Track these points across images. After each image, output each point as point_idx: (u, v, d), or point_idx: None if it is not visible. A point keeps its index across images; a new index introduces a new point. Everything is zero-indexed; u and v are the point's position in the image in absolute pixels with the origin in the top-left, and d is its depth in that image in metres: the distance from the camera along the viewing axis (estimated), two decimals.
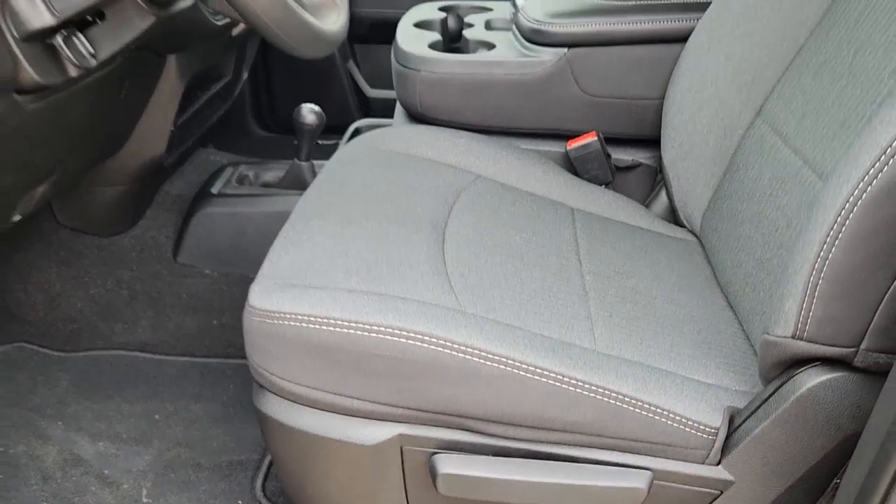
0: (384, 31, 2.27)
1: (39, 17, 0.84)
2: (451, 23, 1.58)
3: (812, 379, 0.77)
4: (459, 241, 1.03)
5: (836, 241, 0.71)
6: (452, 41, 1.56)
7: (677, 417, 0.81)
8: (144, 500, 1.20)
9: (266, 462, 1.25)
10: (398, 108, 1.48)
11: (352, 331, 0.81)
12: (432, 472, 0.84)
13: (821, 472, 0.81)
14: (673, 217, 1.29)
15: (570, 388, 0.80)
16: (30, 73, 0.85)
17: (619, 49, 1.29)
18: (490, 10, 1.62)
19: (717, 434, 0.81)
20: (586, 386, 0.81)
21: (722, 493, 0.83)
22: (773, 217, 0.98)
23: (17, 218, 1.07)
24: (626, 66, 1.30)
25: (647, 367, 0.86)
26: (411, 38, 1.42)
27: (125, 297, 1.49)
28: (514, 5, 1.43)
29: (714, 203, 1.17)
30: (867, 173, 0.69)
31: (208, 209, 1.48)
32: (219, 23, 1.23)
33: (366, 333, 0.81)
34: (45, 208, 1.43)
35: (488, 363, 0.80)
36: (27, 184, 1.03)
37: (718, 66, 1.16)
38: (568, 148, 1.33)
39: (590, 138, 1.32)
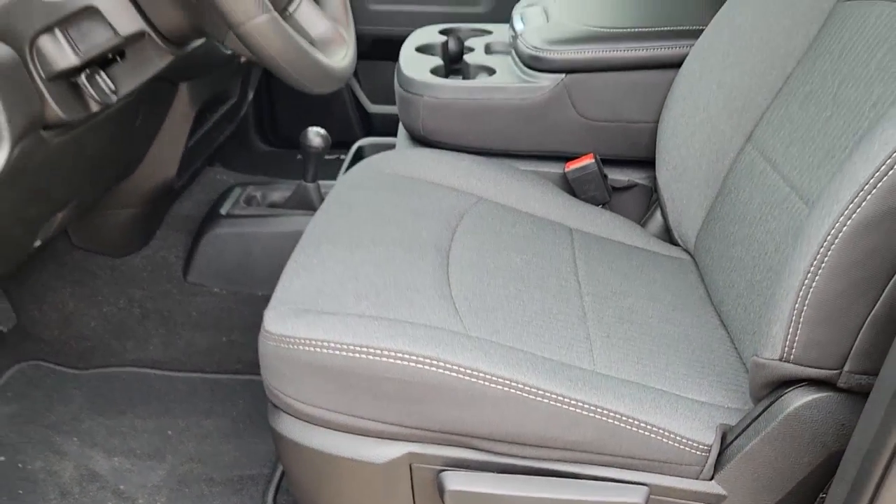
0: (385, 49, 2.32)
1: (65, 58, 0.88)
2: (452, 45, 1.63)
3: (799, 399, 0.82)
4: (463, 264, 1.08)
5: (820, 271, 0.76)
6: (453, 62, 1.61)
7: (672, 435, 0.86)
8: None
9: (277, 476, 1.29)
10: (401, 131, 1.52)
11: (363, 355, 0.86)
12: (440, 489, 0.88)
13: (807, 487, 0.85)
14: (668, 236, 1.33)
15: (571, 409, 0.85)
16: (55, 110, 0.90)
17: (614, 75, 1.34)
18: (489, 32, 1.67)
19: (710, 451, 0.86)
20: (586, 406, 0.85)
21: None
22: (763, 240, 1.03)
23: (37, 244, 1.11)
24: (622, 91, 1.34)
25: (644, 387, 0.91)
26: (414, 63, 1.46)
27: (137, 315, 1.53)
28: (514, 30, 1.48)
29: (707, 224, 1.22)
30: (847, 207, 0.74)
31: (217, 230, 1.52)
32: (228, 51, 1.27)
33: (377, 358, 0.85)
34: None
35: (493, 385, 0.85)
36: (49, 212, 1.07)
37: (710, 92, 1.21)
38: (566, 170, 1.37)
39: (587, 160, 1.36)
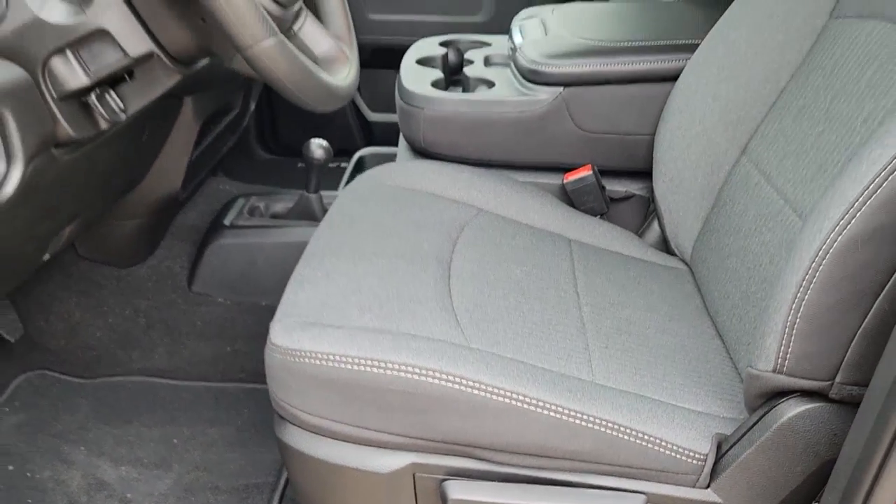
0: (385, 58, 2.35)
1: (76, 79, 0.91)
2: (452, 57, 1.66)
3: (792, 409, 0.84)
4: (464, 276, 1.10)
5: (811, 285, 0.78)
6: (453, 74, 1.63)
7: (669, 445, 0.88)
8: None
9: (281, 484, 1.32)
10: (402, 142, 1.55)
11: (368, 368, 0.88)
12: (443, 498, 0.91)
13: (801, 496, 0.87)
14: (665, 246, 1.35)
15: (570, 419, 0.87)
16: (66, 129, 0.92)
17: (612, 88, 1.36)
18: (488, 44, 1.69)
19: (706, 460, 0.88)
20: (585, 417, 0.87)
21: None
22: (758, 252, 1.05)
23: (46, 258, 1.14)
24: (619, 104, 1.37)
25: (641, 398, 0.93)
26: (414, 76, 1.49)
27: (142, 325, 1.55)
28: (512, 43, 1.50)
29: (703, 235, 1.24)
30: (837, 224, 0.76)
31: (221, 240, 1.54)
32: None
33: (381, 370, 0.88)
34: None
35: (494, 397, 0.87)
36: (58, 227, 1.09)
37: (706, 106, 1.23)
38: (565, 181, 1.39)
39: (585, 172, 1.39)
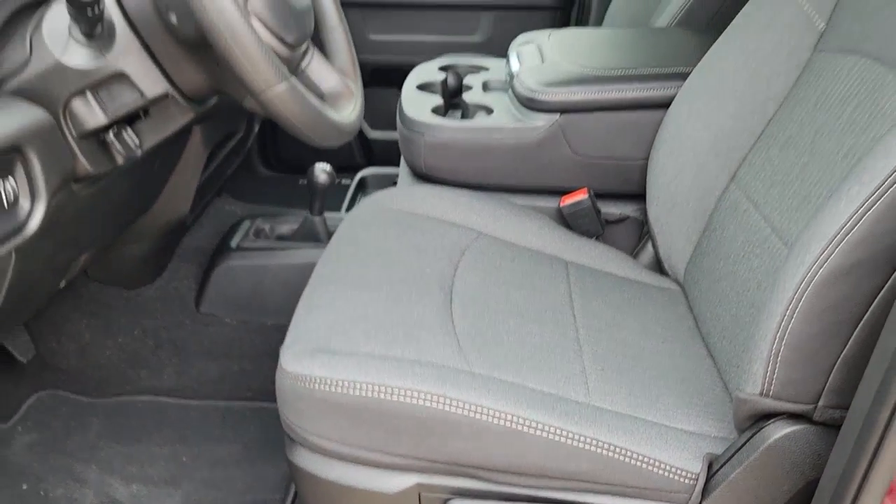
0: (385, 77, 2.40)
1: (95, 118, 0.95)
2: (451, 80, 1.70)
3: (778, 431, 0.88)
4: (465, 300, 1.14)
5: (795, 315, 0.83)
6: (452, 97, 1.68)
7: (662, 465, 0.92)
8: None
9: (289, 501, 1.35)
10: (403, 166, 1.59)
11: (375, 394, 0.92)
12: None
13: None
14: (658, 267, 1.40)
15: (568, 441, 0.91)
16: (85, 165, 0.96)
17: (606, 114, 1.41)
18: (486, 69, 1.74)
19: (697, 479, 0.92)
20: (582, 438, 0.92)
21: None
22: (746, 277, 1.10)
23: (63, 285, 1.18)
24: (614, 130, 1.42)
25: (636, 419, 0.97)
26: (415, 103, 1.53)
27: (151, 345, 1.59)
28: (510, 69, 1.55)
29: (695, 257, 1.29)
30: (818, 258, 0.81)
31: (228, 262, 1.58)
32: None
33: (388, 396, 0.92)
34: None
35: (496, 420, 0.91)
36: (75, 256, 1.14)
37: (697, 133, 1.28)
38: (561, 205, 1.44)
39: (581, 195, 1.43)
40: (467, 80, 1.66)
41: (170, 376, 1.58)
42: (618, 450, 0.92)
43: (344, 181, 2.10)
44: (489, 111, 1.50)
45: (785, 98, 1.18)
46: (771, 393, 0.87)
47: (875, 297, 0.79)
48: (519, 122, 1.44)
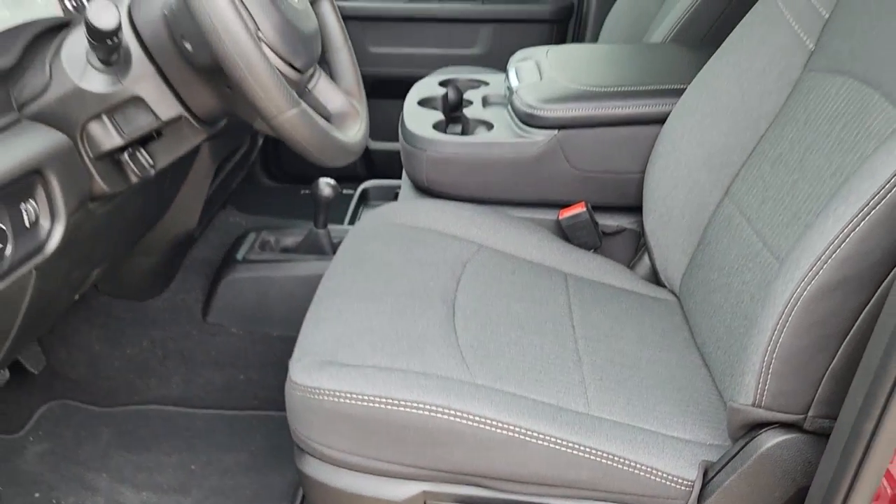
0: (385, 88, 2.44)
1: (111, 140, 0.99)
2: (451, 95, 1.74)
3: (770, 439, 0.92)
4: (467, 312, 1.18)
5: (785, 329, 0.87)
6: (453, 111, 1.71)
7: (659, 473, 0.96)
8: None
9: None
10: (405, 179, 1.63)
11: (383, 405, 0.96)
12: None
13: None
14: (655, 278, 1.44)
15: (568, 451, 0.95)
16: (101, 185, 1.00)
17: (603, 130, 1.45)
18: (486, 83, 1.78)
19: (693, 486, 0.96)
20: (582, 448, 0.95)
21: None
22: (739, 290, 1.13)
23: (76, 298, 1.21)
24: (611, 145, 1.45)
25: (633, 428, 1.01)
26: (417, 119, 1.57)
27: (159, 355, 1.63)
28: (509, 85, 1.59)
29: (690, 269, 1.32)
30: (807, 275, 0.85)
31: (235, 274, 1.62)
32: None
33: (395, 408, 0.96)
34: None
35: (498, 430, 0.95)
36: (90, 272, 1.17)
37: (691, 149, 1.32)
38: (560, 218, 1.48)
39: (579, 209, 1.47)
40: (467, 95, 1.69)
41: (177, 386, 1.61)
42: (616, 459, 0.96)
43: (345, 191, 2.14)
44: (489, 126, 1.54)
45: (776, 116, 1.22)
46: (763, 403, 0.91)
47: (861, 313, 0.83)
48: (518, 137, 1.48)
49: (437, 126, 1.55)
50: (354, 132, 1.08)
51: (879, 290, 0.82)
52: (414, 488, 0.99)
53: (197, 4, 0.80)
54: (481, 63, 2.43)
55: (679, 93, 1.40)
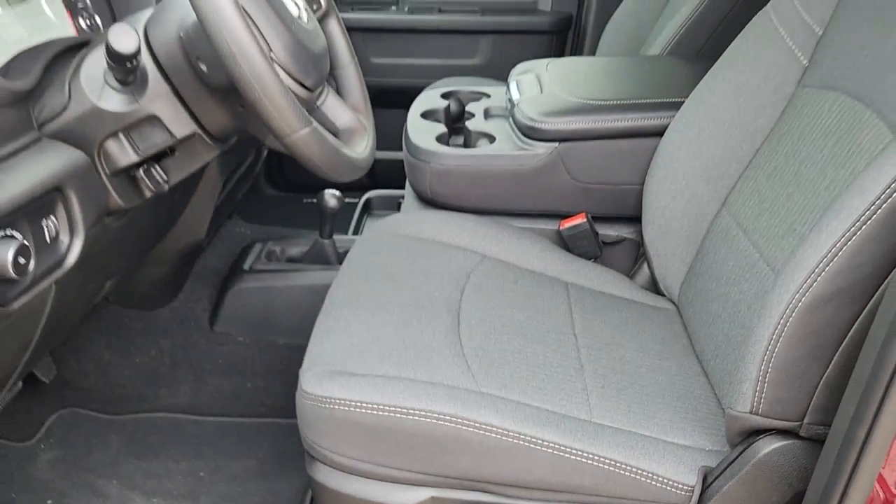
0: (387, 98, 2.48)
1: (127, 157, 1.02)
2: (453, 107, 1.77)
3: (767, 446, 0.95)
4: (472, 322, 1.21)
5: (780, 339, 0.90)
6: (455, 122, 1.75)
7: (660, 478, 0.99)
8: None
9: None
10: (408, 190, 1.66)
11: (392, 414, 0.99)
12: None
13: None
14: (654, 287, 1.47)
15: (572, 457, 0.98)
16: (117, 200, 1.03)
17: (603, 142, 1.48)
18: (488, 95, 1.81)
19: (693, 491, 0.99)
20: (585, 455, 0.98)
21: None
22: (737, 300, 1.17)
23: (90, 308, 1.24)
24: (610, 157, 1.49)
25: (635, 435, 1.04)
26: (420, 131, 1.60)
27: (167, 364, 1.66)
28: (510, 97, 1.62)
29: (689, 279, 1.36)
30: (801, 287, 0.88)
31: (242, 284, 1.65)
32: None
33: (403, 416, 0.99)
34: None
35: (504, 438, 0.98)
36: (103, 283, 1.20)
37: (689, 162, 1.35)
38: (561, 228, 1.51)
39: (580, 219, 1.50)
40: (469, 108, 1.73)
41: (186, 394, 1.64)
42: (618, 465, 0.99)
43: (348, 200, 2.17)
44: (491, 139, 1.57)
45: (771, 130, 1.25)
46: (760, 411, 0.94)
47: (853, 324, 0.86)
48: (520, 149, 1.51)
49: (440, 138, 1.58)
50: (362, 148, 1.11)
51: (871, 302, 0.85)
52: (422, 494, 1.02)
53: (214, 28, 0.83)
54: (482, 73, 2.47)
55: (677, 106, 1.43)
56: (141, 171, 1.05)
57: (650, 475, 0.99)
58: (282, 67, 0.97)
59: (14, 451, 1.49)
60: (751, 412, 0.95)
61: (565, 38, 2.57)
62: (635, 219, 1.51)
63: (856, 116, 1.06)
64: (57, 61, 1.00)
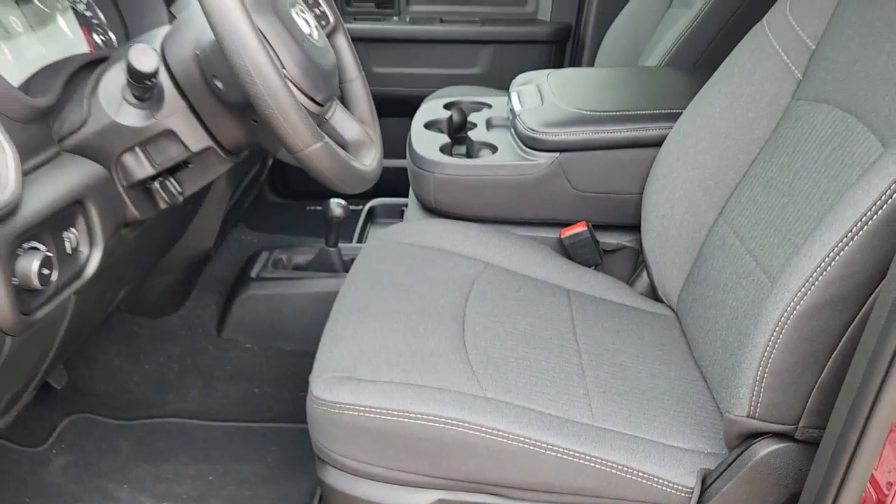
0: (390, 107, 2.51)
1: (143, 170, 1.05)
2: (456, 117, 1.81)
3: (764, 448, 0.98)
4: (477, 329, 1.24)
5: (776, 346, 0.93)
6: (457, 132, 1.78)
7: (660, 480, 1.02)
8: None
9: None
10: (412, 199, 1.70)
11: (400, 418, 1.02)
12: None
13: None
14: (653, 293, 1.50)
15: (575, 460, 1.01)
16: (133, 212, 1.06)
17: (603, 153, 1.51)
18: (489, 106, 1.84)
19: (692, 492, 1.02)
20: (588, 458, 1.02)
21: None
22: (734, 307, 1.20)
23: (105, 316, 1.27)
24: (610, 167, 1.52)
25: (635, 438, 1.07)
26: (424, 142, 1.64)
27: (176, 370, 1.69)
28: (512, 108, 1.66)
29: (687, 286, 1.39)
30: (796, 295, 0.91)
31: (249, 291, 1.68)
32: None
33: (411, 420, 1.02)
34: None
35: (509, 442, 1.01)
36: (118, 292, 1.23)
37: (686, 172, 1.39)
38: (562, 236, 1.54)
39: (580, 228, 1.54)
40: (471, 118, 1.76)
41: (194, 399, 1.67)
42: (620, 467, 1.02)
43: (352, 207, 2.20)
44: (494, 149, 1.60)
45: (766, 141, 1.29)
46: (757, 415, 0.97)
47: (846, 331, 0.90)
48: (521, 159, 1.54)
49: (443, 149, 1.62)
50: (370, 160, 1.15)
51: (863, 310, 0.89)
52: (429, 496, 1.05)
53: (232, 48, 0.87)
54: (482, 82, 2.50)
55: (674, 117, 1.47)
56: (156, 183, 1.09)
57: (651, 477, 1.02)
58: (294, 84, 1.00)
59: (27, 457, 1.52)
60: (748, 416, 0.98)
61: (564, 48, 2.61)
62: (635, 227, 1.55)
63: (848, 129, 1.09)
64: (75, 77, 1.04)
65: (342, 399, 1.04)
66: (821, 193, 1.09)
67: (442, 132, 1.73)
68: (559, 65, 2.63)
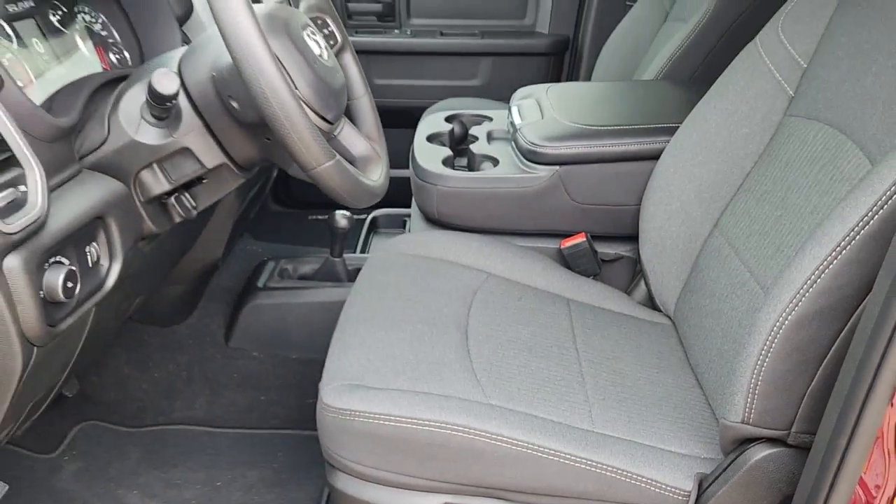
0: (391, 118, 2.54)
1: (160, 186, 1.09)
2: (457, 129, 1.86)
3: (758, 453, 1.02)
4: (480, 338, 1.28)
5: (769, 355, 0.97)
6: (458, 144, 1.83)
7: (658, 484, 1.06)
8: None
9: None
10: (415, 210, 1.74)
11: (408, 425, 1.06)
12: None
13: None
14: (651, 302, 1.54)
15: (577, 465, 1.05)
16: (150, 225, 1.10)
17: (602, 166, 1.56)
18: (490, 119, 1.89)
19: (689, 496, 1.06)
20: (589, 462, 1.06)
21: None
22: (729, 316, 1.24)
23: (120, 326, 1.31)
24: (608, 180, 1.57)
25: (634, 444, 1.11)
26: (427, 155, 1.68)
27: (184, 378, 1.72)
28: (512, 122, 1.70)
29: (684, 295, 1.43)
30: (787, 306, 0.96)
31: (256, 301, 1.72)
32: None
33: (419, 427, 1.06)
34: None
35: (513, 447, 1.05)
36: (132, 302, 1.27)
37: (683, 185, 1.43)
38: (562, 247, 1.58)
39: (580, 239, 1.58)
40: (473, 131, 1.81)
41: (202, 407, 1.71)
42: (620, 472, 1.06)
43: (354, 217, 2.24)
44: (495, 162, 1.65)
45: (760, 156, 1.33)
46: (751, 421, 1.02)
47: (835, 341, 0.94)
48: (522, 172, 1.59)
49: (445, 161, 1.66)
50: (378, 175, 1.19)
51: (851, 320, 0.93)
52: (437, 500, 1.09)
53: (249, 71, 0.91)
54: (482, 94, 2.55)
55: (671, 131, 1.51)
56: (172, 198, 1.13)
57: (649, 481, 1.06)
58: (306, 104, 1.04)
59: (39, 463, 1.55)
60: (742, 422, 1.02)
61: (562, 60, 2.65)
62: (632, 238, 1.59)
63: (838, 146, 1.14)
64: (95, 96, 1.08)
65: (352, 406, 1.08)
66: (812, 208, 1.13)
67: (444, 145, 1.77)
68: (557, 76, 2.68)
